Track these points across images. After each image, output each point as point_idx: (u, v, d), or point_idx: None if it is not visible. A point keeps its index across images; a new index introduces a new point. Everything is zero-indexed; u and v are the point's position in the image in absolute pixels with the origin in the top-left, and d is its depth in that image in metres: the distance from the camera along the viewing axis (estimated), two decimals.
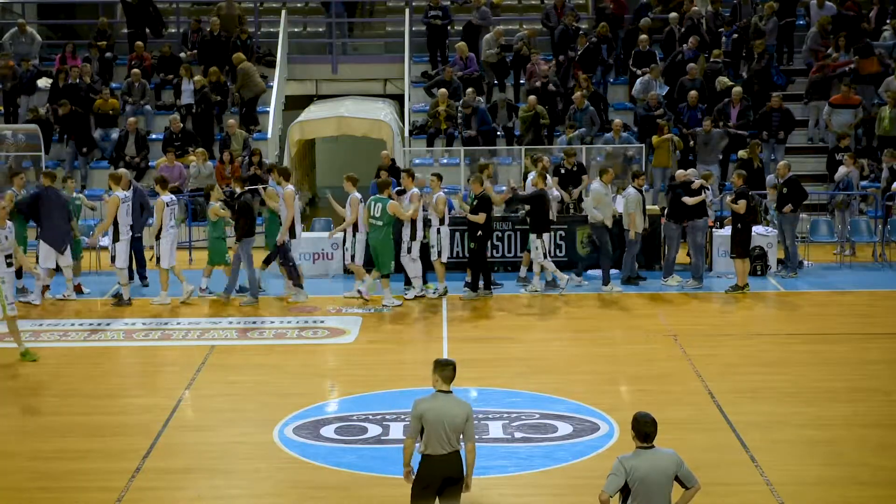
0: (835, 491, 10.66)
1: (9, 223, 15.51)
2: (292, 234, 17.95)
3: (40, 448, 11.89)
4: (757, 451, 11.51)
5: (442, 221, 18.20)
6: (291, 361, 15.17)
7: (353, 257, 18.19)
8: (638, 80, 24.23)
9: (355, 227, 18.05)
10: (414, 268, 18.10)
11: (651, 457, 7.96)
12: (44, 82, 25.15)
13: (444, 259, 18.26)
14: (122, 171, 19.25)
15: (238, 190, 18.14)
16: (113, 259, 17.98)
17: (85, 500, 10.68)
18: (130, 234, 18.00)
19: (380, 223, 17.53)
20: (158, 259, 17.88)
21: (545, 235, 18.20)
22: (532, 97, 23.42)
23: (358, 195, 18.02)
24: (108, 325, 16.87)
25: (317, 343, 15.90)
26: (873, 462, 11.33)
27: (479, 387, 13.64)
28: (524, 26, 27.28)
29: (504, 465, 11.28)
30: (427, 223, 18.23)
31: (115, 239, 17.78)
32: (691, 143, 22.95)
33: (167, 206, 17.80)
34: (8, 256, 15.24)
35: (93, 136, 24.03)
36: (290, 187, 18.07)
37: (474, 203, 17.90)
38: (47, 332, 16.48)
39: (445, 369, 8.71)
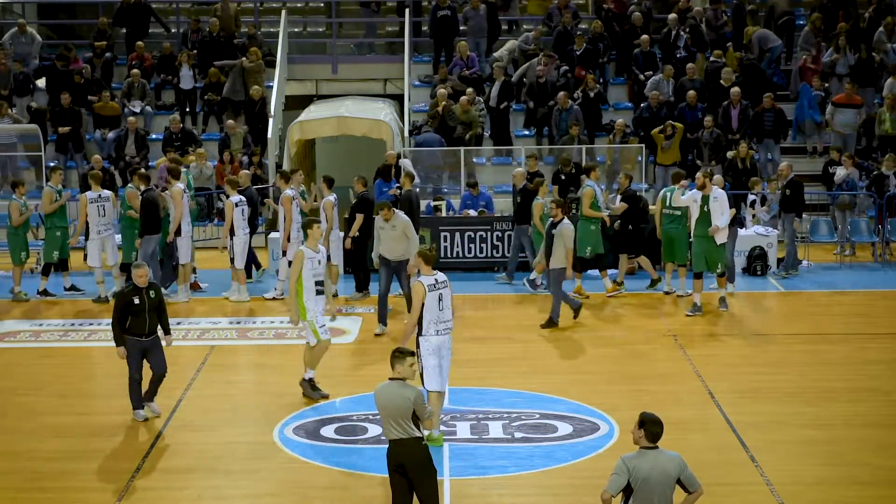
0: (835, 491, 10.66)
1: (321, 247, 13.47)
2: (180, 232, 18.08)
3: (40, 448, 11.90)
4: (757, 451, 11.51)
5: (233, 231, 17.99)
6: (291, 361, 15.15)
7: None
8: (650, 81, 24.21)
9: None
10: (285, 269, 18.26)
11: (654, 457, 7.96)
12: (42, 83, 25.17)
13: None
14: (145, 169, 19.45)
15: (143, 187, 18.08)
16: (85, 258, 18.13)
17: (85, 500, 10.68)
18: (104, 234, 18.22)
19: (678, 213, 17.79)
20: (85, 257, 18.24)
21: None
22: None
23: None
24: (108, 325, 16.84)
25: None
26: (873, 462, 11.33)
27: (479, 387, 13.65)
28: (524, 27, 27.27)
29: (504, 465, 11.29)
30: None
31: (86, 237, 18.07)
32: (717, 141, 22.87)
33: (90, 202, 17.90)
34: (319, 283, 13.23)
35: (80, 137, 24.02)
36: (180, 185, 18.06)
37: (355, 201, 18.06)
38: (47, 332, 16.49)
39: (393, 357, 9.13)
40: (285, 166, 22.72)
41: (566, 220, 16.18)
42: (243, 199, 18.36)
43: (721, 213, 16.87)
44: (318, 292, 13.06)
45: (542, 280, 18.29)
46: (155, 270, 18.02)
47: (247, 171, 20.57)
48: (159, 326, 12.59)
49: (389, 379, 9.10)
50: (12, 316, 17.42)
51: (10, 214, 18.20)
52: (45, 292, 18.37)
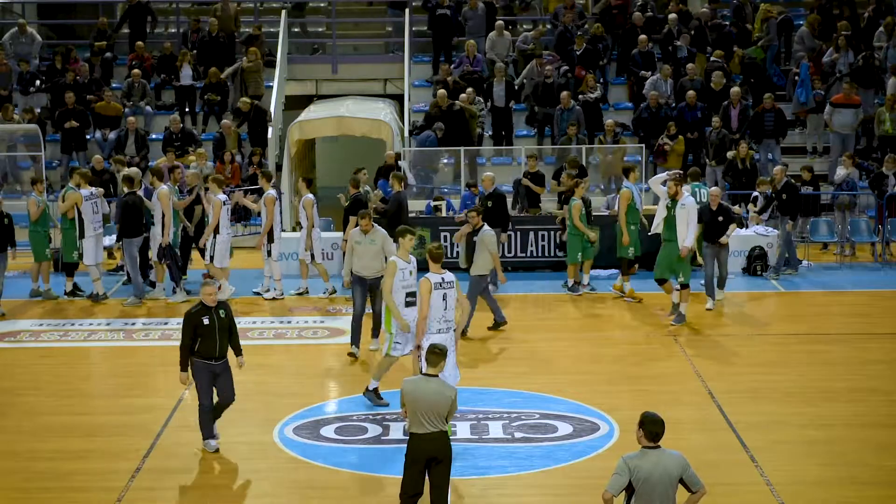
0: (835, 491, 10.67)
1: (412, 257, 12.71)
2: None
3: (40, 448, 11.90)
4: (757, 451, 11.51)
5: (217, 230, 17.77)
6: (291, 361, 15.18)
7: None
8: (647, 81, 24.22)
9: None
10: (276, 268, 18.30)
11: (656, 457, 7.96)
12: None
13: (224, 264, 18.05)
14: (134, 170, 19.32)
15: (126, 189, 18.01)
16: (81, 256, 18.18)
17: (85, 500, 10.69)
18: (99, 231, 18.33)
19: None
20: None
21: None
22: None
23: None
24: (107, 325, 16.88)
25: (317, 343, 15.91)
26: (873, 462, 11.33)
27: (479, 387, 13.65)
28: (524, 27, 27.25)
29: (504, 465, 11.29)
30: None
31: (81, 235, 18.08)
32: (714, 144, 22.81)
33: (85, 200, 18.03)
34: (410, 294, 12.53)
35: (84, 136, 24.02)
36: (164, 187, 17.98)
37: (348, 203, 17.95)
38: (47, 332, 16.49)
39: (432, 354, 9.29)
40: (285, 166, 22.76)
41: (486, 227, 15.87)
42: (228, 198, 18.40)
43: (686, 224, 16.32)
44: (409, 304, 12.50)
45: (587, 280, 18.52)
46: (141, 272, 18.04)
47: (196, 170, 20.40)
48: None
49: (423, 374, 9.29)
50: (29, 315, 17.42)
51: (28, 210, 18.39)
52: (73, 292, 18.42)
